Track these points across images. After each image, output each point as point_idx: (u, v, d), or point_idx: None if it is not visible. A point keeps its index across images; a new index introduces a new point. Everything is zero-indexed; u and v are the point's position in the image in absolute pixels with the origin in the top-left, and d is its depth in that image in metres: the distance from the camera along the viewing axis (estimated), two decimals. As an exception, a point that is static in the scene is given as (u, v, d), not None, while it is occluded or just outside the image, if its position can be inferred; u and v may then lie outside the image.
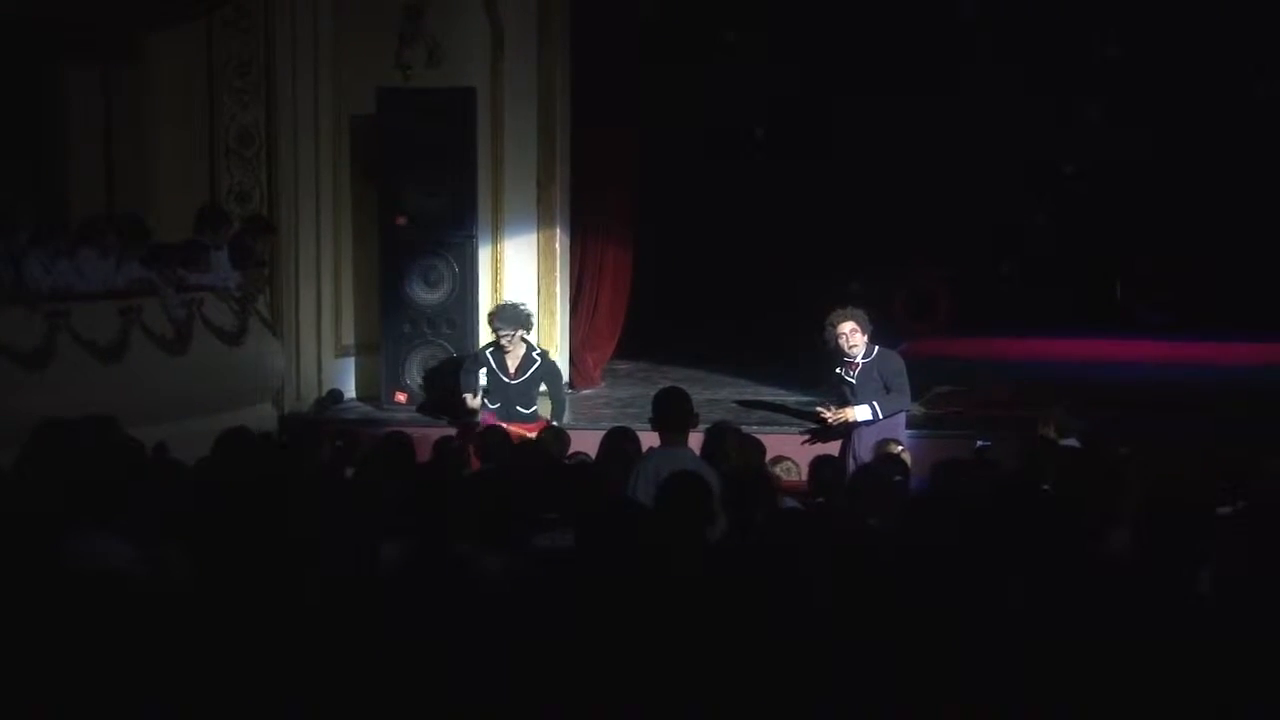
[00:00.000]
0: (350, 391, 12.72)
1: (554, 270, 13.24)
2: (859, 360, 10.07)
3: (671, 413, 7.52)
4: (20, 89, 11.63)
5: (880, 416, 9.95)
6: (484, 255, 12.64)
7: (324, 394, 12.54)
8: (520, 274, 12.99)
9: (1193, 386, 12.54)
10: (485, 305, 12.59)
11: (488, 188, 12.67)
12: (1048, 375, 12.89)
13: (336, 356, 12.65)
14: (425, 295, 12.18)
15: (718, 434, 8.18)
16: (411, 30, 12.72)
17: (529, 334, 11.37)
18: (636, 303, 14.38)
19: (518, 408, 10.92)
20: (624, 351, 14.46)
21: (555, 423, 10.42)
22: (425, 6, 12.72)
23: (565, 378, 13.29)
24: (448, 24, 12.73)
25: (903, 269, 15.95)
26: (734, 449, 7.96)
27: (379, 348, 12.38)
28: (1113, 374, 13.31)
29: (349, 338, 12.86)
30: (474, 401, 11.16)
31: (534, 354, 11.13)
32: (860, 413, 9.99)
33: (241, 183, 12.15)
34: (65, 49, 11.85)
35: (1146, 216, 16.17)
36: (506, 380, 10.99)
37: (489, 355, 11.18)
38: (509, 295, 12.87)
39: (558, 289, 13.27)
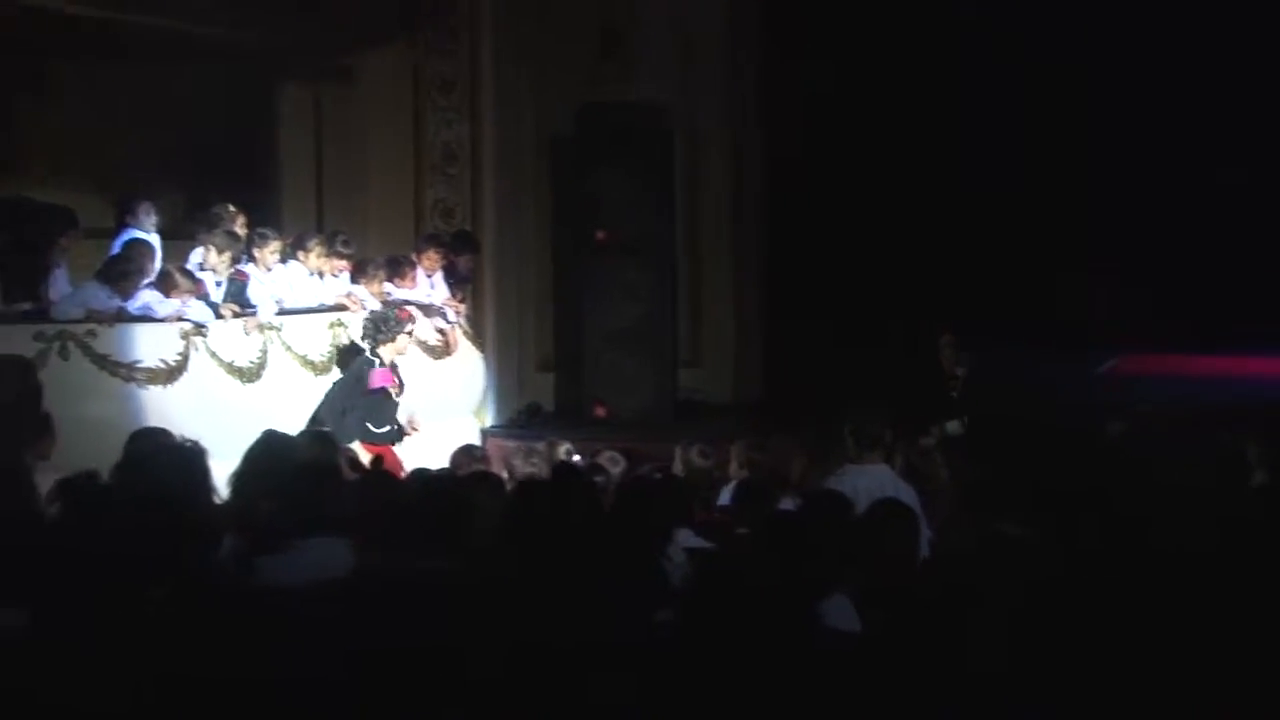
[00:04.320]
0: (549, 405, 12.86)
1: (750, 284, 13.22)
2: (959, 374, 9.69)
3: (867, 428, 7.43)
4: (235, 109, 12.01)
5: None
6: (682, 271, 12.67)
7: (524, 407, 12.69)
8: (719, 289, 13.01)
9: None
10: (685, 321, 12.59)
11: (684, 203, 12.71)
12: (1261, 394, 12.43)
13: (536, 370, 12.79)
14: (624, 310, 12.22)
15: (924, 452, 8.08)
16: (609, 48, 12.86)
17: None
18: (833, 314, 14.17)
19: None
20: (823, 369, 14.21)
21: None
22: (622, 25, 12.84)
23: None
24: (643, 41, 12.84)
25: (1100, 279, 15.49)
26: (940, 467, 7.87)
27: (578, 362, 12.48)
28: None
29: (548, 351, 13.00)
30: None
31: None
32: (950, 428, 9.59)
33: (445, 199, 12.37)
34: (279, 71, 12.22)
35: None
36: (398, 399, 9.54)
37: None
38: (708, 311, 12.86)
39: (755, 304, 13.23)
